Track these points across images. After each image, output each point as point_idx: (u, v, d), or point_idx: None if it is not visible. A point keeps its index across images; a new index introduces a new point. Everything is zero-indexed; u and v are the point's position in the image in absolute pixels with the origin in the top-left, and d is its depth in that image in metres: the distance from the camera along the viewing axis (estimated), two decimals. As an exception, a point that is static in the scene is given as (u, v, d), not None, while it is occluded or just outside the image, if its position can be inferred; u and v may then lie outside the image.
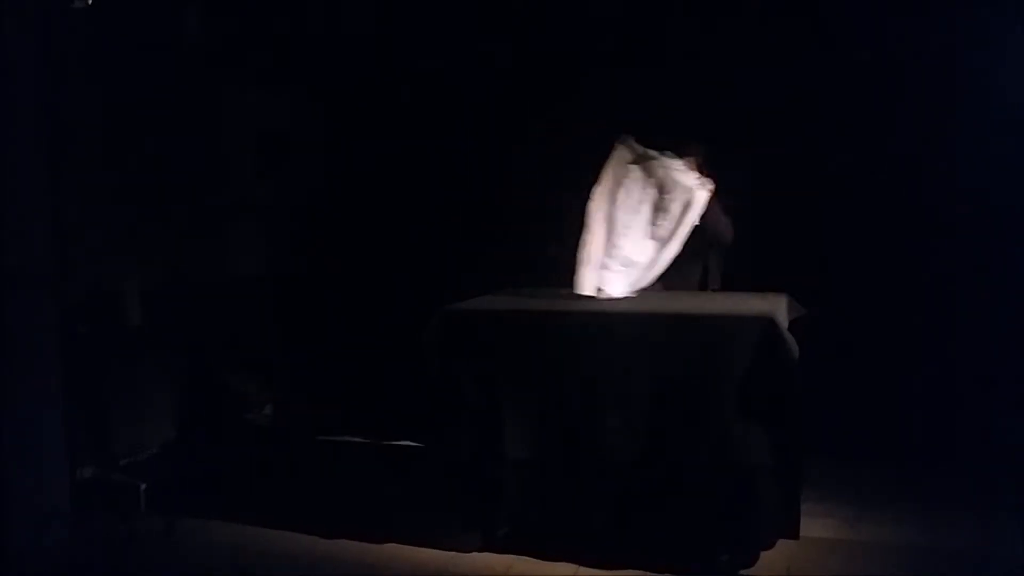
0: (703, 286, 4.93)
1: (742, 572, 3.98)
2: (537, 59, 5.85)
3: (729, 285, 4.90)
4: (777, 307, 4.14)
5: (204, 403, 5.89)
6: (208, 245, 5.99)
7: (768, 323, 3.91)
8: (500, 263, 5.42)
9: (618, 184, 4.46)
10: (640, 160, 4.47)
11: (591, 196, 4.46)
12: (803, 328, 4.08)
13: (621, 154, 4.49)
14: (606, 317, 4.19)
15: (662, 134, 4.55)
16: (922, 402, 5.13)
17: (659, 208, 4.41)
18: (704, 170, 4.56)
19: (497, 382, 4.18)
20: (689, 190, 4.39)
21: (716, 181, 4.50)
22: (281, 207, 6.43)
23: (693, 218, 4.39)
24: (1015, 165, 5.00)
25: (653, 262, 4.46)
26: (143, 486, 4.82)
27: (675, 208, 4.39)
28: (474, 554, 4.24)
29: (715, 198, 4.51)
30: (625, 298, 4.45)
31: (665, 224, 4.40)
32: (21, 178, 4.35)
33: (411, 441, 5.73)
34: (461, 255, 5.87)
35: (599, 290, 4.45)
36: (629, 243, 4.43)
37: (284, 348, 6.45)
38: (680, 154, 4.51)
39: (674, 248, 4.41)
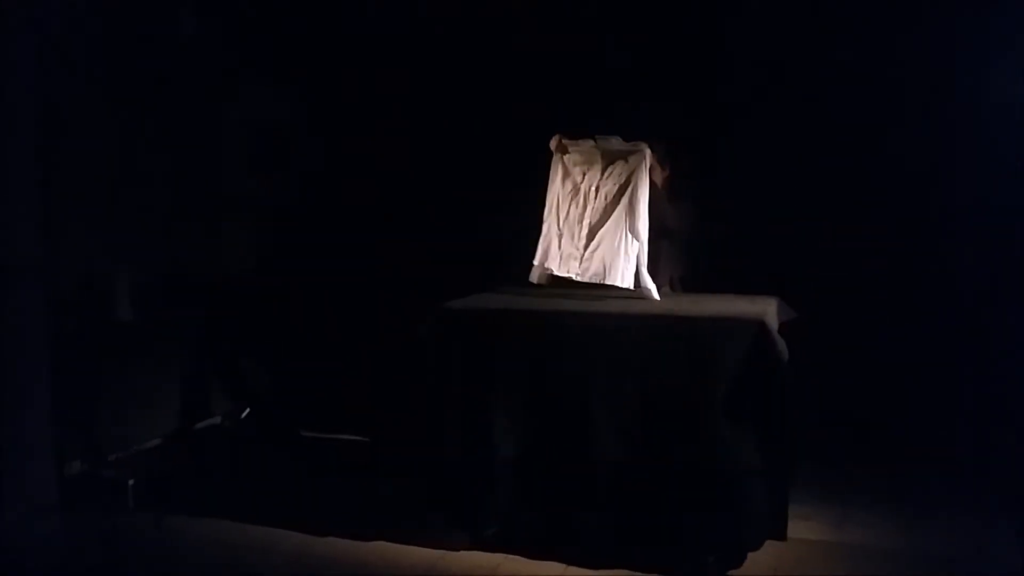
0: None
1: (729, 573, 4.00)
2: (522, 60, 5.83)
3: (719, 287, 4.88)
4: (767, 310, 4.16)
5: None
6: (198, 241, 5.97)
7: (758, 325, 3.93)
8: (494, 261, 5.40)
9: (566, 173, 4.56)
10: (580, 147, 4.56)
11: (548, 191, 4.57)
12: (793, 331, 4.10)
13: (561, 146, 4.59)
14: (598, 317, 4.20)
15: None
16: (910, 404, 5.15)
17: (607, 181, 4.47)
18: (663, 166, 4.76)
19: (487, 380, 4.20)
20: (631, 152, 4.44)
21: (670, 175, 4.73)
22: (273, 204, 6.40)
23: (643, 178, 4.38)
24: (1014, 166, 5.02)
25: (622, 237, 4.41)
26: (131, 481, 4.81)
27: (622, 174, 4.44)
28: (462, 552, 4.25)
29: (662, 188, 4.67)
30: (618, 297, 4.45)
31: (616, 193, 4.44)
32: (10, 171, 4.33)
33: (400, 438, 5.72)
34: (454, 252, 5.85)
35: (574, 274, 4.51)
36: (587, 224, 4.48)
37: (272, 346, 6.44)
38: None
39: (642, 216, 4.37)
